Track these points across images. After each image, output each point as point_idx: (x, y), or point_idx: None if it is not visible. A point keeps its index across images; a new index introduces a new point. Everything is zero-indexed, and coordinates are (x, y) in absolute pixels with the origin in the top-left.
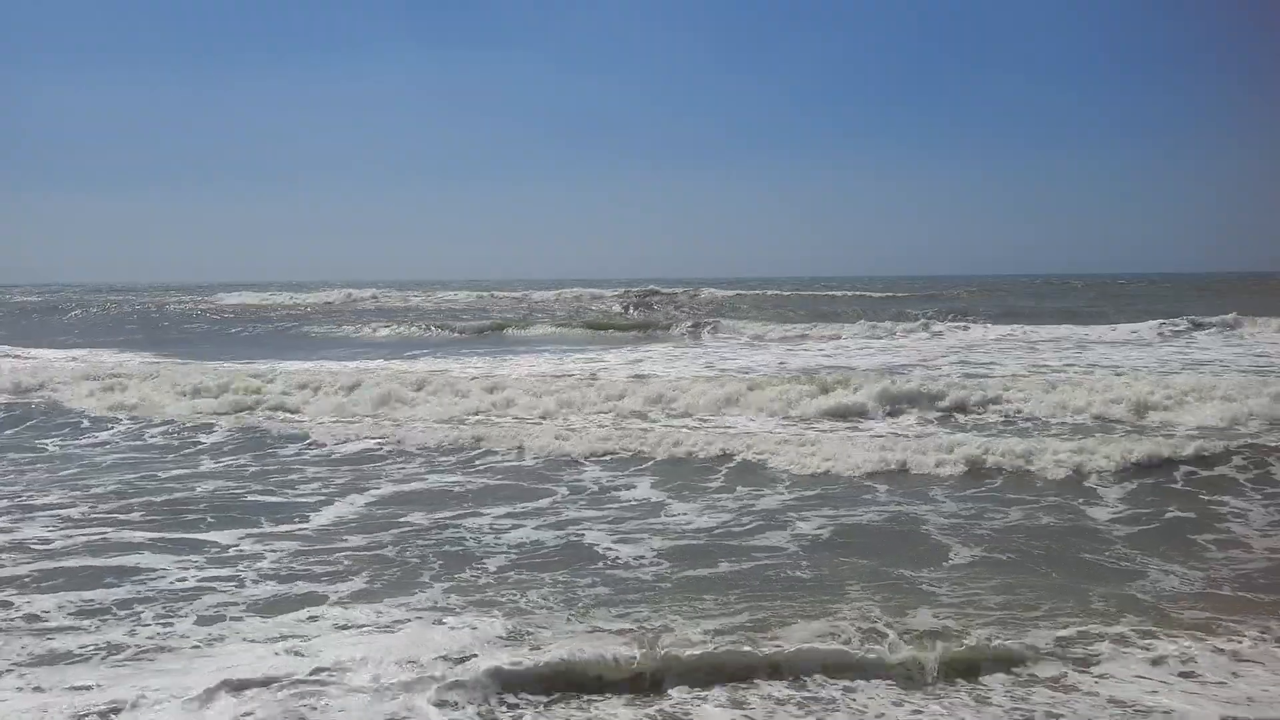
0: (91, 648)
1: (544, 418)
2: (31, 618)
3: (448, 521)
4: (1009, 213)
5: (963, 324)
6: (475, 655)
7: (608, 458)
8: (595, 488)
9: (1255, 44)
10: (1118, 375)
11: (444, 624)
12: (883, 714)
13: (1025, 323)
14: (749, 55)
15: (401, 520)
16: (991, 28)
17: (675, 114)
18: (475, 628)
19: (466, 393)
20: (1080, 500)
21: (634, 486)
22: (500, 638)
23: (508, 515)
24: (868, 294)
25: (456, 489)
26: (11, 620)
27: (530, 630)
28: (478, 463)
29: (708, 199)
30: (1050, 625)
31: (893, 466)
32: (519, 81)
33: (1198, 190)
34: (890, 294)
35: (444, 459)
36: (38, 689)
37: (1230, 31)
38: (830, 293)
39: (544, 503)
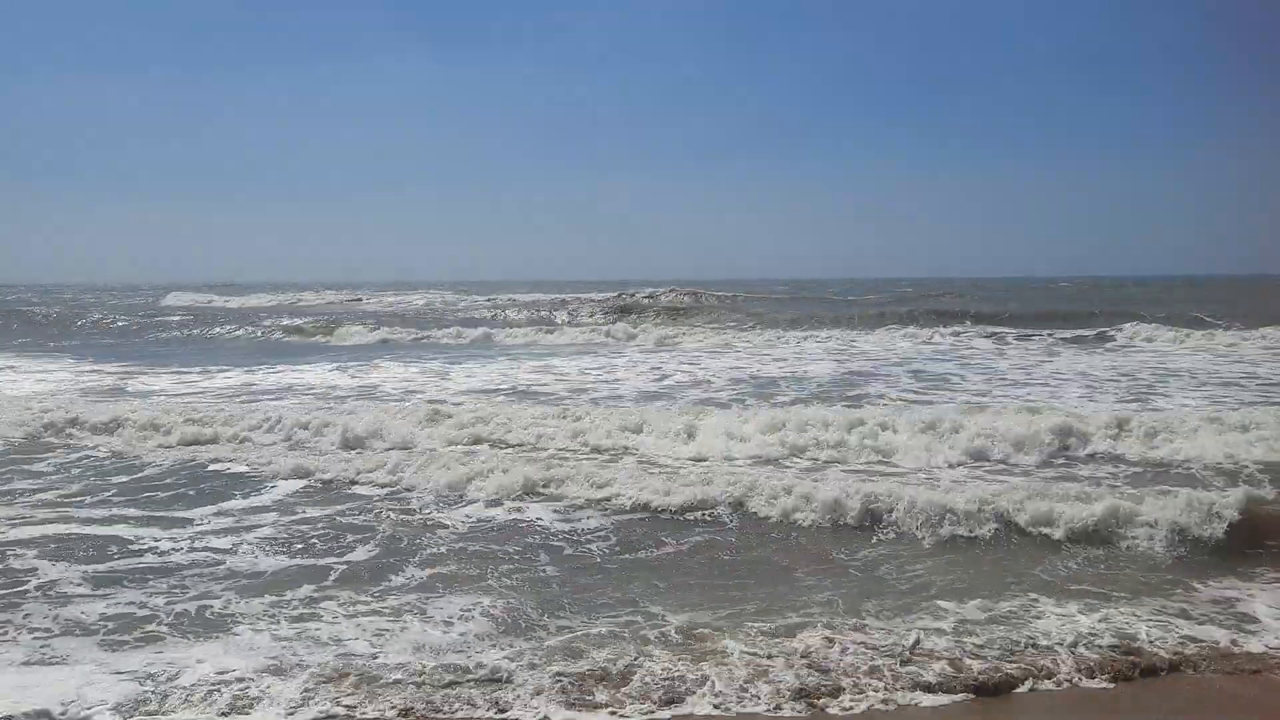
0: None
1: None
2: None
3: None
4: (1013, 215)
5: (929, 329)
6: None
7: None
8: None
9: (1261, 48)
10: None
11: None
12: None
13: (1007, 326)
14: (760, 54)
15: None
16: (994, 31)
17: (677, 117)
18: None
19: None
20: None
21: None
22: None
23: None
24: (844, 298)
25: None
26: None
27: None
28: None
29: (711, 201)
30: None
31: None
32: (519, 86)
33: (1209, 194)
34: (873, 295)
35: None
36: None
37: (1240, 36)
38: (824, 295)
39: None
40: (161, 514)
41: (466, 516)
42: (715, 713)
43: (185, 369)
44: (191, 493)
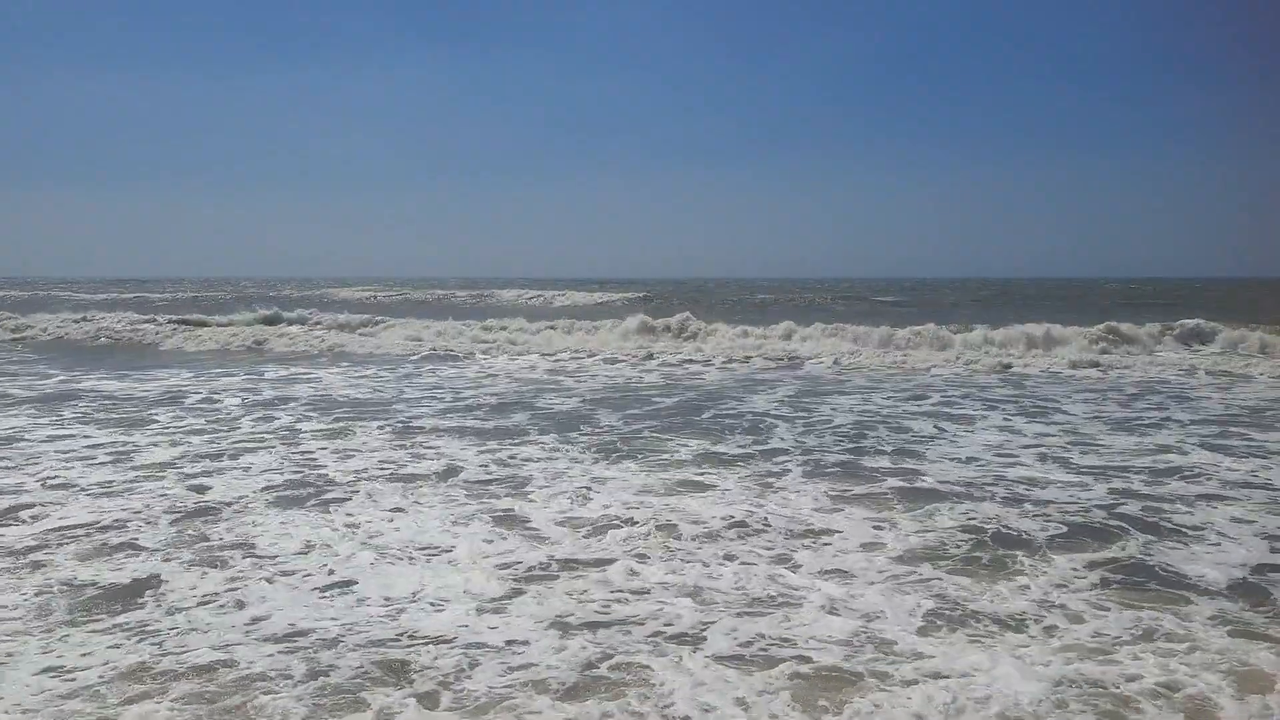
0: None
1: None
2: None
3: None
4: (1029, 215)
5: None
6: None
7: None
8: None
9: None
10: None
11: None
12: None
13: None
14: (765, 53)
15: None
16: (1014, 29)
17: (689, 113)
18: None
19: None
20: None
21: None
22: None
23: None
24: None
25: None
26: None
27: None
28: None
29: (721, 197)
30: None
31: None
32: (532, 81)
33: (1229, 195)
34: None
35: None
36: None
37: (1259, 36)
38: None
39: None
40: None
41: None
42: None
43: None
44: None
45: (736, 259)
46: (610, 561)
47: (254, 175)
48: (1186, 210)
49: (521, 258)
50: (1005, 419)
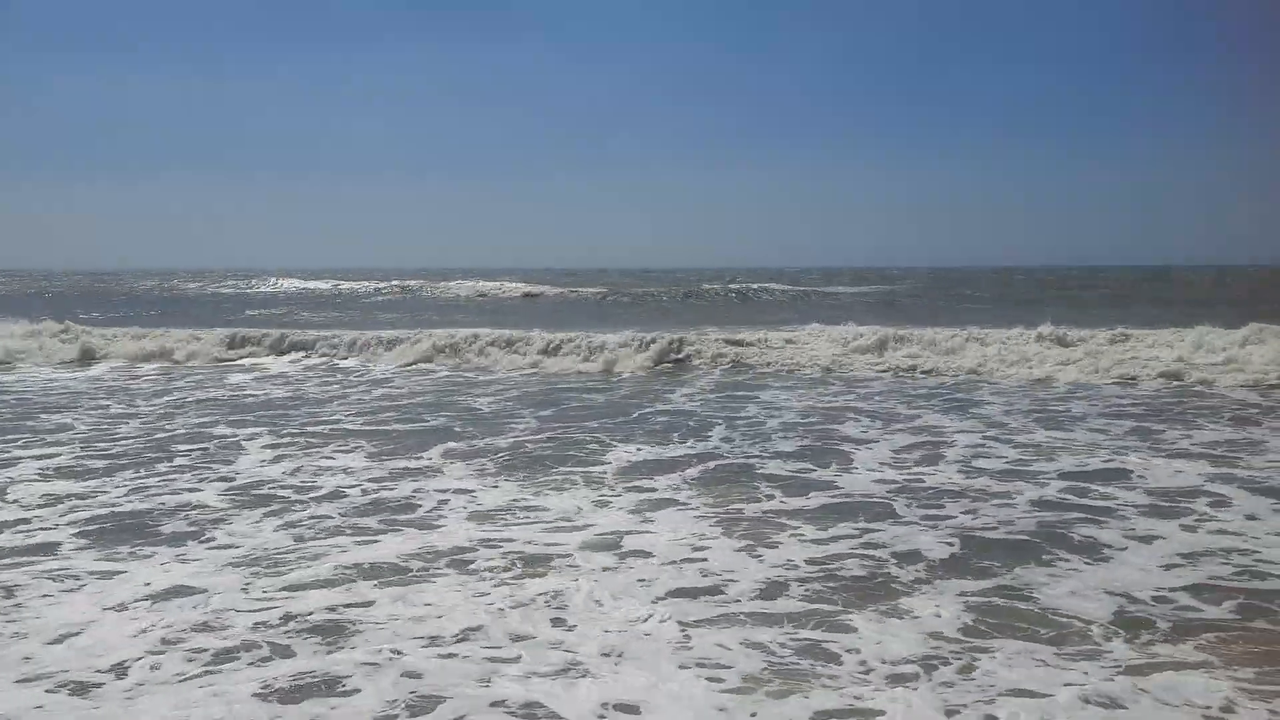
0: None
1: None
2: None
3: None
4: (1015, 207)
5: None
6: None
7: None
8: None
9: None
10: None
11: None
12: None
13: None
14: (758, 47)
15: None
16: (1001, 20)
17: (683, 106)
18: None
19: None
20: None
21: None
22: None
23: None
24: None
25: None
26: None
27: None
28: None
29: (717, 191)
30: None
31: None
32: (527, 73)
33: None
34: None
35: None
36: None
37: (1237, 26)
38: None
39: None
40: None
41: None
42: None
43: None
44: None
45: (733, 252)
46: (378, 618)
47: (251, 170)
48: (1164, 199)
49: (519, 252)
50: None
